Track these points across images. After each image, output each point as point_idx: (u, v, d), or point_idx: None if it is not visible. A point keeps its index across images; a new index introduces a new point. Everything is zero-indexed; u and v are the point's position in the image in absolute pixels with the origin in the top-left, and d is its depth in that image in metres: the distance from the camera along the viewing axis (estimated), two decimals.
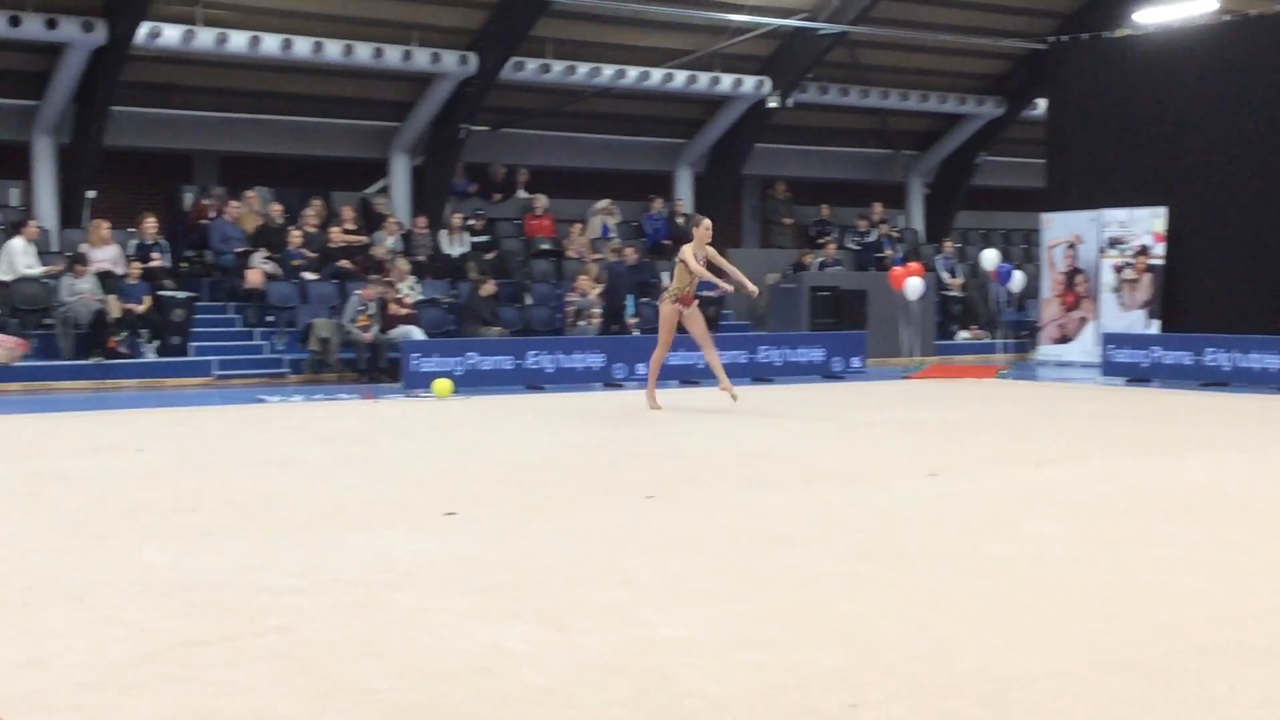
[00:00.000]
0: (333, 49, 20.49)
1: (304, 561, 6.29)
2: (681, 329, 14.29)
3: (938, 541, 6.77)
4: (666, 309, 14.17)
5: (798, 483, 8.86)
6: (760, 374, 19.03)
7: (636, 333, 20.76)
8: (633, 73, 22.79)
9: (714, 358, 14.29)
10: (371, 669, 4.55)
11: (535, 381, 17.61)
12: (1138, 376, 18.43)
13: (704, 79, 23.44)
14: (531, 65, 22.06)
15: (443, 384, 16.03)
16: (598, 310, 20.62)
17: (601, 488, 8.73)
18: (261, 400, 15.84)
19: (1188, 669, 4.50)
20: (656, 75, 23.01)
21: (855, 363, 19.96)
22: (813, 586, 5.75)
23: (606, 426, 12.84)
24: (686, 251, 14.08)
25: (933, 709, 4.11)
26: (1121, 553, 6.43)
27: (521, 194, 24.07)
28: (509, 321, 20.60)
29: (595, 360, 18.06)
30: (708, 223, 14.35)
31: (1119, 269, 21.77)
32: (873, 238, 25.81)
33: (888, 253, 25.33)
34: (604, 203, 24.43)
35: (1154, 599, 5.48)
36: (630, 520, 7.41)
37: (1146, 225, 21.42)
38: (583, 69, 22.40)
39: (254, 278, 19.69)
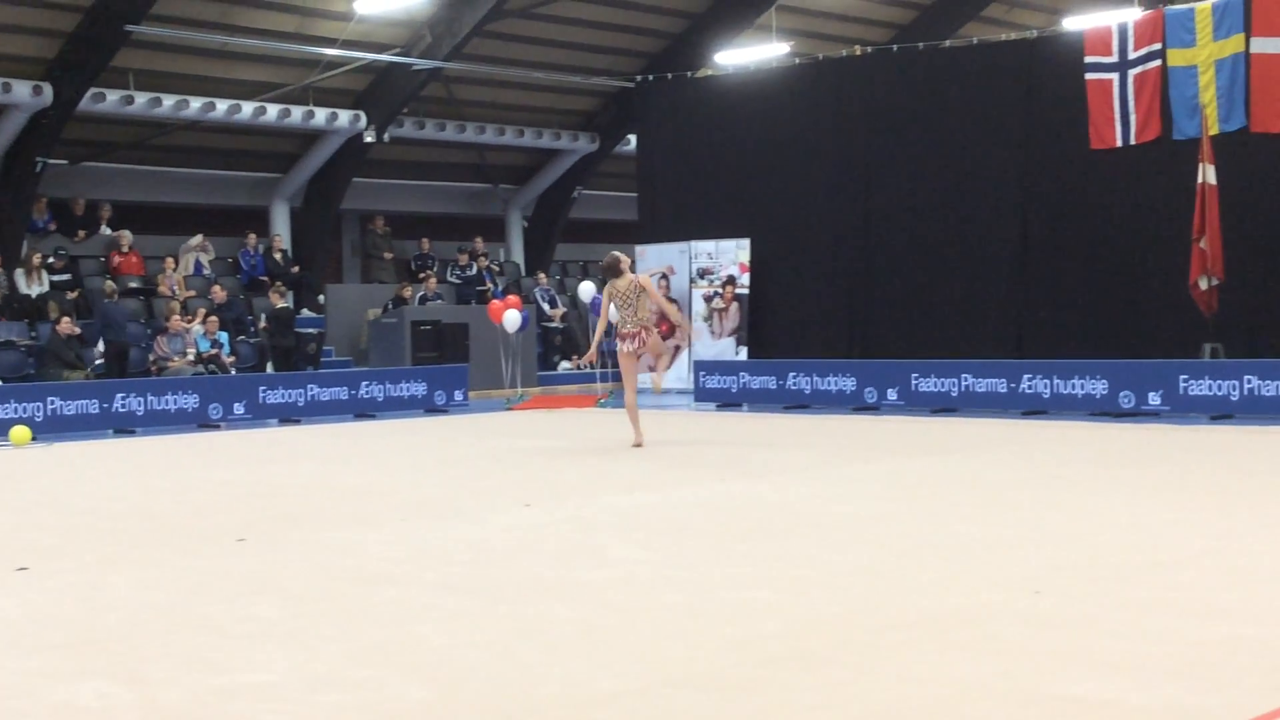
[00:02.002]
0: None
1: None
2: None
3: (529, 571, 6.90)
4: (655, 339, 13.44)
5: (394, 518, 8.85)
6: (362, 410, 18.88)
7: (233, 371, 20.21)
8: (222, 105, 22.25)
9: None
10: None
11: (124, 425, 16.88)
12: (728, 402, 19.28)
13: (298, 113, 23.11)
14: (113, 96, 21.21)
15: (20, 431, 15.15)
16: (191, 351, 19.94)
17: (189, 533, 8.46)
18: None
19: (754, 679, 4.76)
20: (248, 108, 22.54)
21: (458, 396, 20.06)
22: (403, 622, 5.76)
23: (199, 469, 12.45)
24: (646, 281, 13.36)
25: None
26: (701, 573, 6.73)
27: (106, 230, 23.05)
28: (96, 363, 19.64)
29: (189, 401, 17.46)
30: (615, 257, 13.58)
31: (709, 298, 22.73)
32: (474, 271, 26.03)
33: (489, 286, 25.59)
34: (197, 239, 23.69)
35: (728, 615, 5.76)
36: (217, 565, 7.22)
37: (732, 256, 22.46)
38: (169, 101, 21.70)
39: None
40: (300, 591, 6.49)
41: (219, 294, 21.76)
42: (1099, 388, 15.97)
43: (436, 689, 4.72)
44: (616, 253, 13.65)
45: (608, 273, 13.49)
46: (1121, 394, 15.79)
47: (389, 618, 5.87)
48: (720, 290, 22.57)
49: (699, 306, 22.83)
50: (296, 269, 24.36)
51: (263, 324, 21.98)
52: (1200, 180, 16.24)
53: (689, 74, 23.68)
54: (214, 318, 20.66)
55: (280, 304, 21.81)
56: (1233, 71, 17.20)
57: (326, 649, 5.32)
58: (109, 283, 20.55)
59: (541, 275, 26.83)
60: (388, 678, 4.88)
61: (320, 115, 23.38)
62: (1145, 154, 18.09)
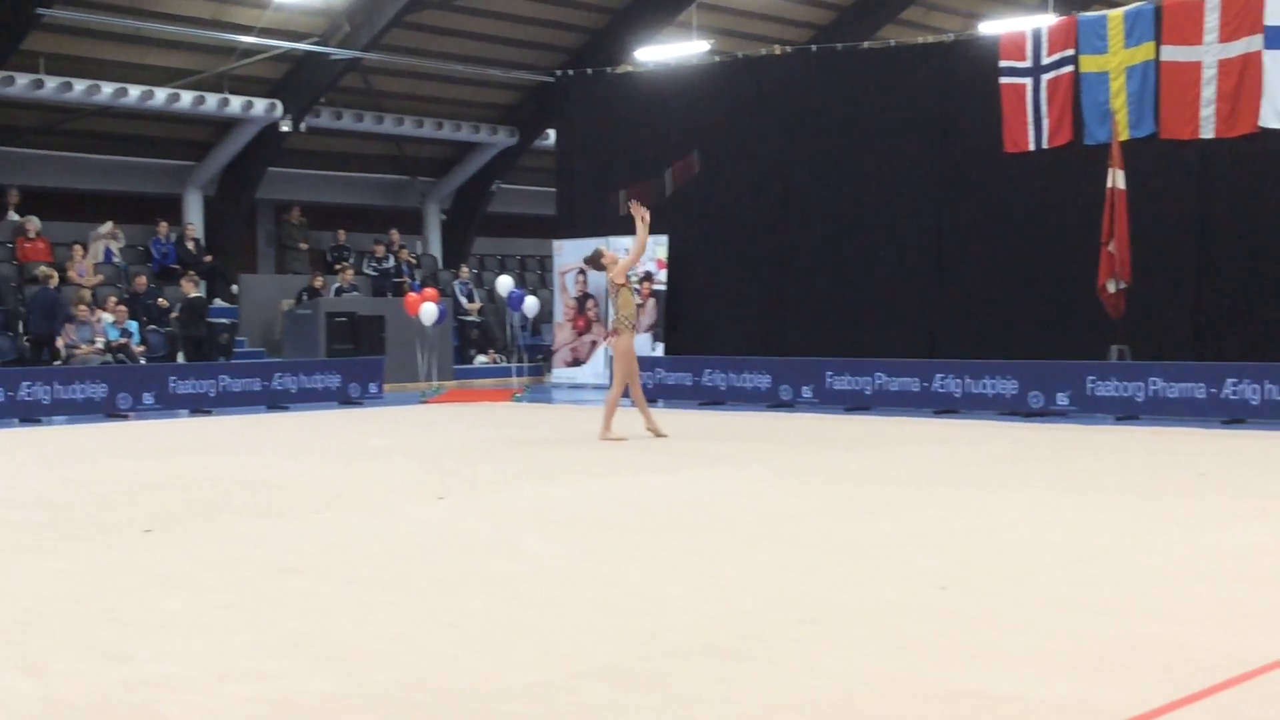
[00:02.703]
0: None
1: None
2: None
3: (441, 564, 6.89)
4: (627, 340, 13.44)
5: (306, 511, 8.79)
6: (275, 401, 18.69)
7: (143, 361, 19.92)
8: (135, 91, 21.92)
9: (638, 393, 13.77)
10: None
11: (31, 414, 16.60)
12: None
13: (212, 100, 22.83)
14: (23, 80, 20.83)
15: None
16: (100, 340, 19.63)
17: (97, 523, 8.35)
18: None
19: (663, 672, 4.78)
20: (161, 95, 22.22)
21: (373, 388, 19.92)
22: (313, 614, 5.73)
23: (107, 460, 12.28)
24: (618, 275, 13.45)
25: None
26: (613, 567, 6.75)
27: (13, 216, 22.64)
28: (1, 351, 19.30)
29: (97, 391, 17.19)
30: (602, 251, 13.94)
31: None
32: (390, 263, 25.86)
33: (406, 279, 25.44)
34: (107, 226, 23.32)
35: (638, 609, 5.78)
36: (124, 556, 7.13)
37: (649, 253, 22.48)
38: (80, 86, 21.36)
39: None
40: (208, 583, 6.43)
41: (141, 283, 21.44)
42: (1009, 388, 16.21)
43: (345, 681, 4.70)
44: (600, 247, 14.11)
45: (591, 265, 14.03)
46: (1031, 394, 16.03)
47: (298, 609, 5.83)
48: (637, 286, 22.58)
49: None
50: (209, 258, 24.06)
51: (175, 314, 21.68)
52: (1110, 185, 16.51)
53: (609, 70, 23.69)
54: (123, 306, 20.37)
55: (193, 293, 21.54)
56: (1143, 79, 17.50)
57: (234, 640, 5.28)
58: (43, 268, 20.21)
59: (463, 268, 26.72)
60: (296, 669, 4.85)
61: (235, 103, 23.12)
62: (1057, 158, 18.35)
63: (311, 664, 4.92)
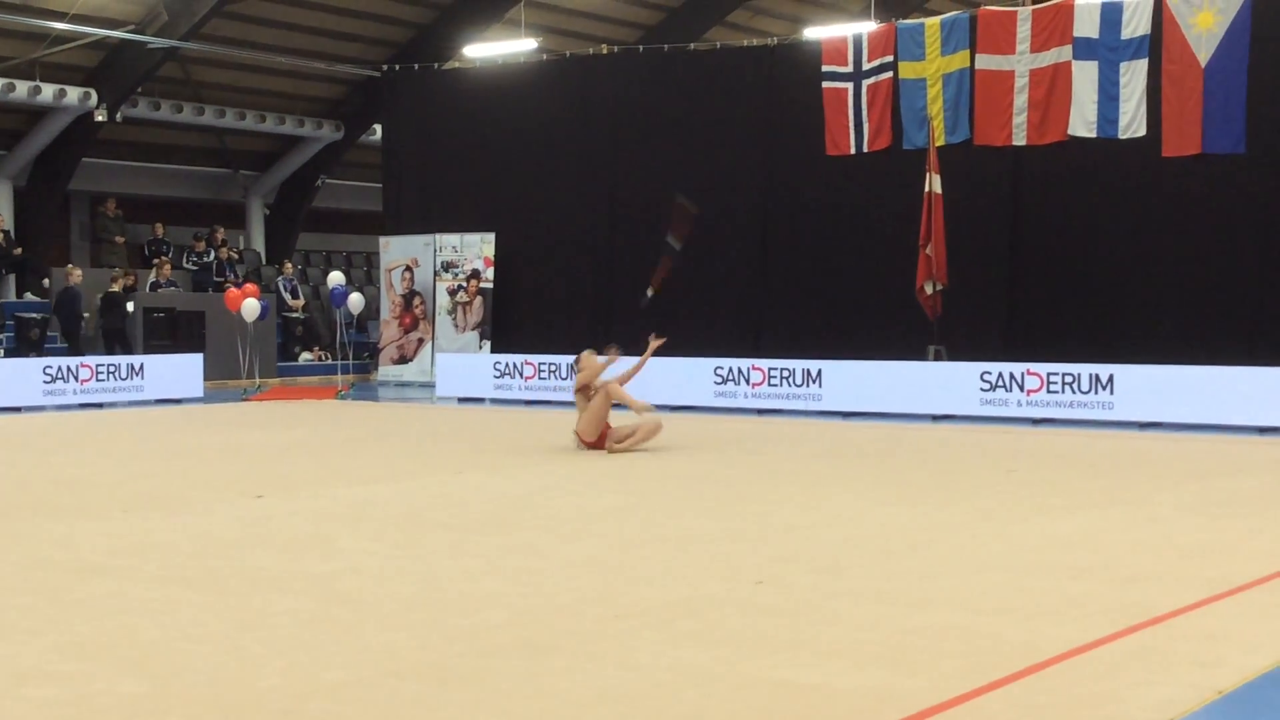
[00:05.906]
0: None
1: None
2: None
3: (256, 563, 6.77)
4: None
5: (116, 510, 8.57)
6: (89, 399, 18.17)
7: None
8: None
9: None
10: None
11: None
12: (470, 396, 19.23)
13: (23, 88, 22.06)
14: None
15: None
16: None
17: None
18: None
19: (477, 669, 4.78)
20: None
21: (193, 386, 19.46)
22: (120, 615, 5.59)
23: None
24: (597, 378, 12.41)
25: None
26: (431, 565, 6.71)
27: None
28: None
29: None
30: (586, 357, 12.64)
31: (453, 292, 22.62)
32: (211, 258, 25.28)
33: (228, 275, 24.90)
34: None
35: (455, 606, 5.76)
36: None
37: (477, 250, 22.41)
38: None
39: None
40: (10, 583, 6.23)
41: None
42: (830, 387, 16.48)
43: (150, 682, 4.60)
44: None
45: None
46: (849, 393, 16.32)
47: (104, 610, 5.69)
48: (464, 284, 22.48)
49: (443, 300, 22.71)
50: (19, 251, 23.26)
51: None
52: (927, 189, 16.93)
53: (437, 66, 23.51)
54: None
55: (115, 287, 21.18)
56: (959, 86, 17.98)
57: (35, 642, 5.13)
58: (76, 271, 19.87)
59: (287, 264, 26.23)
60: (99, 671, 4.73)
61: (48, 91, 22.38)
62: (877, 162, 18.75)
63: (117, 666, 4.81)
